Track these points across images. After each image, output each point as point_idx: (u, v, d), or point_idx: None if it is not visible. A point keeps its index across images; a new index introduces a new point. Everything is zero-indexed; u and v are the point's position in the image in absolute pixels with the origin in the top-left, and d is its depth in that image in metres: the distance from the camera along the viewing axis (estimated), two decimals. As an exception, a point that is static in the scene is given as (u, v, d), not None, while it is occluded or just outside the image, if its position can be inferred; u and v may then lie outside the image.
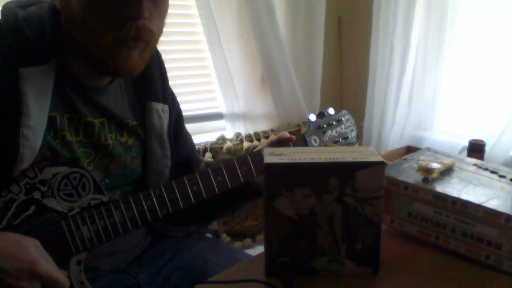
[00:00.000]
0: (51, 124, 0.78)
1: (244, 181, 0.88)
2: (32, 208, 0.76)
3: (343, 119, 1.05)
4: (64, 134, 0.80)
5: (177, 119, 1.01)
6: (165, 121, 0.95)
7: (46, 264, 0.69)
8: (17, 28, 0.76)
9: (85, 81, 0.83)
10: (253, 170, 0.89)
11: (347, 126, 1.05)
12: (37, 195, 0.76)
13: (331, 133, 1.02)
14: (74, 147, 0.82)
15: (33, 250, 0.69)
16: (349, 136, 1.05)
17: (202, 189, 0.85)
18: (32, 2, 0.83)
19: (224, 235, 1.84)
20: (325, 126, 1.02)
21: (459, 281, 0.74)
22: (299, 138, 0.99)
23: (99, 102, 0.85)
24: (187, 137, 1.07)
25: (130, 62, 0.78)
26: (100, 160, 0.86)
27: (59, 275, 0.71)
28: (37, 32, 0.76)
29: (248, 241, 1.88)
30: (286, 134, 0.96)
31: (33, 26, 0.77)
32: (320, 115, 1.02)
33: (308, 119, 1.01)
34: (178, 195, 0.83)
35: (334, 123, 1.03)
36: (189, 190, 0.84)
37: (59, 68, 0.79)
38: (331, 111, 1.04)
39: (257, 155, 0.89)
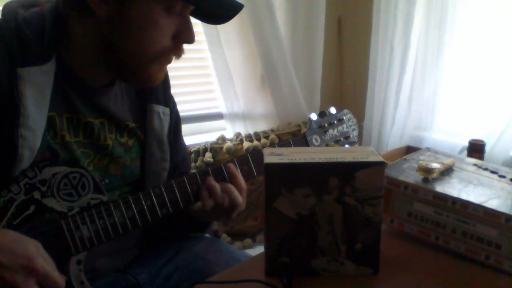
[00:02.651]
0: (50, 124, 0.78)
1: (245, 180, 0.88)
2: (32, 207, 0.76)
3: (344, 118, 1.05)
4: (64, 134, 0.80)
5: (175, 124, 1.01)
6: (166, 124, 0.95)
7: (44, 262, 0.69)
8: (16, 27, 0.75)
9: (86, 81, 0.83)
10: (254, 170, 0.89)
11: (349, 125, 1.05)
12: (36, 195, 0.76)
13: (332, 132, 1.02)
14: (74, 147, 0.81)
15: (32, 248, 0.69)
16: (351, 135, 1.05)
17: None
18: (35, 2, 0.82)
19: (224, 235, 1.84)
20: (326, 125, 1.01)
21: (459, 281, 0.74)
22: (299, 137, 0.99)
23: (99, 103, 0.85)
24: (182, 143, 1.07)
25: (163, 74, 0.85)
26: (99, 161, 0.86)
27: (56, 274, 0.70)
28: (37, 32, 0.76)
29: (248, 241, 1.88)
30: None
31: (33, 26, 0.76)
32: (322, 114, 1.02)
33: (309, 118, 1.01)
34: (178, 194, 0.83)
35: (335, 122, 1.03)
36: (189, 189, 0.84)
37: (59, 68, 0.79)
38: (332, 110, 1.04)
39: (258, 155, 0.89)
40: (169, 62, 0.84)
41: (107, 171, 0.87)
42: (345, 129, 1.04)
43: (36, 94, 0.75)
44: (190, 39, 0.81)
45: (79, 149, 0.82)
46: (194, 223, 1.00)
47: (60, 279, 0.71)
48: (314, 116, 1.01)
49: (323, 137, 1.00)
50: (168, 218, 0.86)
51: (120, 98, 0.91)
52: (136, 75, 0.81)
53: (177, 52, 0.82)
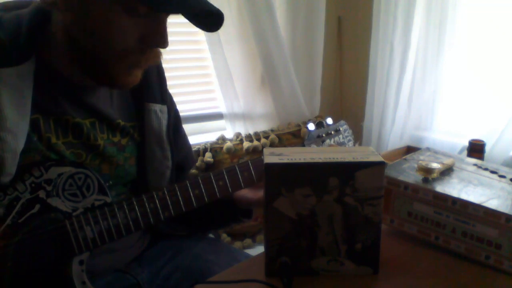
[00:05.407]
0: (35, 127, 0.77)
1: (244, 186, 0.88)
2: (37, 207, 0.76)
3: (341, 129, 1.08)
4: (49, 136, 0.79)
5: (175, 121, 1.00)
6: (164, 122, 0.94)
7: None
8: None
9: (73, 80, 0.81)
10: (254, 176, 0.89)
11: (345, 136, 1.09)
12: (42, 194, 0.76)
13: (329, 142, 1.05)
14: (61, 148, 0.80)
15: None
16: (347, 146, 1.09)
17: (204, 193, 0.85)
18: (25, 4, 0.81)
19: (224, 235, 1.84)
20: (324, 135, 1.04)
21: (459, 281, 0.74)
22: (298, 146, 1.00)
23: (88, 102, 0.84)
24: (184, 139, 1.07)
25: (135, 79, 0.81)
26: (91, 161, 0.85)
27: None
28: (12, 34, 0.75)
29: (248, 241, 1.89)
30: None
31: (9, 28, 0.75)
32: (319, 124, 1.04)
33: (307, 128, 1.03)
34: (180, 198, 0.84)
35: (332, 132, 1.06)
36: (191, 193, 0.84)
37: (39, 68, 0.77)
38: (329, 121, 1.07)
39: (259, 161, 0.89)
40: (138, 66, 0.79)
41: (99, 170, 0.86)
42: (341, 140, 1.08)
43: (13, 95, 0.73)
44: (160, 43, 0.76)
45: (68, 150, 0.82)
46: (237, 211, 0.99)
47: None
48: (311, 126, 1.04)
49: (320, 146, 1.03)
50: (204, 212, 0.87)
51: (109, 96, 0.89)
52: (104, 76, 0.78)
53: (145, 55, 0.77)
